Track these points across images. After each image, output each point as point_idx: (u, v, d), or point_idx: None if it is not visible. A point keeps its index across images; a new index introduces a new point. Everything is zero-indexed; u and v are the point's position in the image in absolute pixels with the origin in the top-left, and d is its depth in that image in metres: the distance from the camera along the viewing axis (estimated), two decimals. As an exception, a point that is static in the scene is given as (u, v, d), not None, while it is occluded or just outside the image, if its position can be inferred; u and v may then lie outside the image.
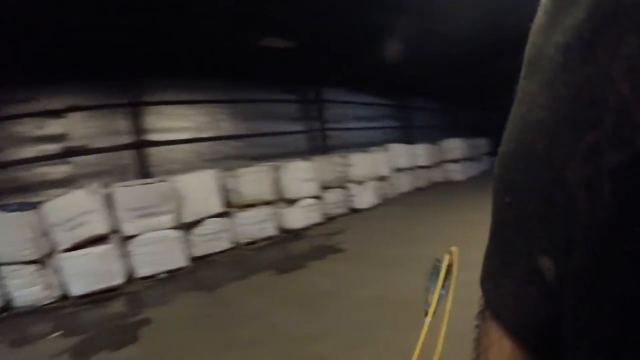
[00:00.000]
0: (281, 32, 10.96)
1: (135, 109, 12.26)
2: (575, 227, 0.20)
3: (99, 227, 7.05)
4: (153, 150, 12.32)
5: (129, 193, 7.54)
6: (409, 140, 18.80)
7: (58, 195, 7.70)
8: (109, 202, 7.45)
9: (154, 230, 7.58)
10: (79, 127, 11.55)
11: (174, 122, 12.86)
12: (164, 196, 7.77)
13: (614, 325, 0.18)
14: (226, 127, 13.76)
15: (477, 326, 0.32)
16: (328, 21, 9.98)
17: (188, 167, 12.31)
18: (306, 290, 5.90)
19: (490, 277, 0.29)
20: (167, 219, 7.73)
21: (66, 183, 10.85)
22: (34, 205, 7.09)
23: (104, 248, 7.03)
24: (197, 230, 8.29)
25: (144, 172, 11.73)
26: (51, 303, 6.86)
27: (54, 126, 11.26)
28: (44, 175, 10.99)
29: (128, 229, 7.46)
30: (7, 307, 6.76)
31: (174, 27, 9.92)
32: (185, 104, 13.04)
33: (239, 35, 10.91)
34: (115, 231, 7.39)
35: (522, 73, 0.29)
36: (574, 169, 0.21)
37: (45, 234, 6.92)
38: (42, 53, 9.85)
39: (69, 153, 11.40)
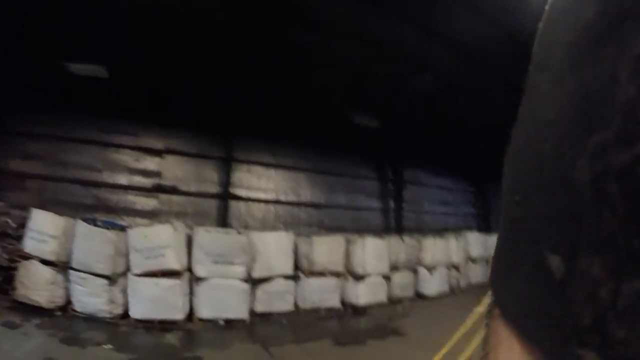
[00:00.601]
0: (371, 112, 11.50)
1: (225, 162, 13.19)
2: (583, 226, 0.21)
3: (174, 262, 7.41)
4: (234, 203, 12.99)
5: (209, 238, 7.93)
6: (485, 228, 18.06)
7: (142, 224, 8.33)
8: (188, 242, 7.89)
9: (224, 277, 7.80)
10: (172, 168, 12.63)
11: (258, 181, 13.58)
12: (240, 248, 8.06)
13: (621, 325, 0.18)
14: (305, 193, 14.22)
15: (486, 325, 0.33)
16: (417, 104, 10.31)
17: (264, 225, 12.75)
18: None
19: (500, 276, 0.30)
20: (238, 270, 7.95)
21: (150, 215, 11.70)
22: (121, 227, 7.69)
23: (174, 282, 7.33)
24: (264, 286, 8.40)
25: (224, 221, 12.33)
26: (110, 318, 7.15)
27: (149, 163, 12.42)
28: (132, 203, 11.97)
29: (200, 270, 7.75)
30: (66, 308, 7.19)
31: (271, 97, 10.88)
32: (271, 166, 13.80)
33: (331, 111, 11.62)
34: (187, 269, 7.73)
35: (531, 72, 0.29)
36: (582, 168, 0.21)
37: (123, 255, 7.43)
38: (150, 98, 11.21)
39: (158, 189, 12.41)
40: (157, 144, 12.52)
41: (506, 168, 0.31)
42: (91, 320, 6.99)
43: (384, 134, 12.83)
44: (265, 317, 8.28)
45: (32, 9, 7.82)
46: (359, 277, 9.54)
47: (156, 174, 12.36)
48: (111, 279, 7.23)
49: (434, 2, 6.95)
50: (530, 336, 0.24)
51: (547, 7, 0.29)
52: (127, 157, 12.10)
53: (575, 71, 0.23)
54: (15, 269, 7.43)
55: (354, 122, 11.92)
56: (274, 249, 8.59)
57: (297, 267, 9.07)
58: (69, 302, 7.26)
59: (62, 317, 6.96)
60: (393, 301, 10.30)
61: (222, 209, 12.68)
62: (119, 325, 7.01)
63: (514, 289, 0.26)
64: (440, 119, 11.49)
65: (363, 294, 9.49)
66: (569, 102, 0.23)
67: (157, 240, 7.41)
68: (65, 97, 11.02)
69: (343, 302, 9.43)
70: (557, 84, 0.25)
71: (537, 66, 0.29)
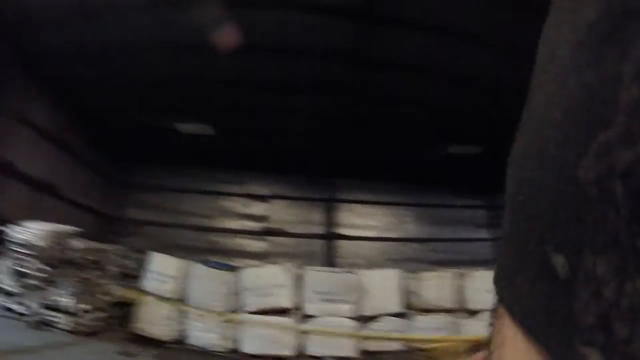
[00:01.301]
0: (467, 140, 11.17)
1: (329, 204, 13.63)
2: (587, 225, 0.21)
3: (285, 300, 7.83)
4: (341, 242, 13.28)
5: (318, 277, 8.22)
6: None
7: (252, 265, 8.93)
8: (297, 282, 8.25)
9: (332, 315, 7.97)
10: (278, 212, 13.37)
11: (362, 220, 13.77)
12: (349, 287, 8.21)
13: (625, 323, 0.18)
14: (410, 229, 14.03)
15: (491, 324, 0.32)
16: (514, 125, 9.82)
17: (371, 263, 12.76)
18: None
19: (504, 275, 0.30)
20: (347, 308, 8.07)
21: (259, 257, 12.43)
22: (233, 268, 8.36)
23: (284, 320, 7.72)
24: (373, 325, 8.38)
25: (330, 261, 12.63)
26: (221, 352, 7.65)
27: (257, 208, 13.29)
28: (242, 246, 12.85)
29: (310, 309, 8.02)
30: (181, 341, 7.84)
31: (367, 138, 11.15)
32: (374, 204, 13.92)
33: (426, 144, 11.53)
34: (297, 308, 8.05)
35: (535, 72, 0.29)
36: (586, 167, 0.21)
37: (235, 293, 8.04)
38: (254, 149, 12.14)
39: (267, 232, 13.18)
40: (263, 190, 13.46)
41: (510, 168, 0.32)
42: (204, 354, 7.56)
43: (486, 160, 12.34)
44: (375, 356, 8.20)
45: (149, 81, 9.17)
46: (472, 313, 9.06)
47: (264, 218, 13.22)
48: (224, 316, 7.82)
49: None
50: (534, 334, 0.24)
51: (550, 8, 0.29)
52: (236, 204, 13.17)
53: (579, 71, 0.23)
54: (134, 305, 8.34)
55: (452, 153, 11.68)
56: (381, 286, 8.57)
57: (407, 304, 8.92)
58: (183, 336, 7.95)
59: (176, 350, 7.61)
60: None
61: (328, 248, 13.02)
62: (231, 360, 7.47)
63: (519, 288, 0.27)
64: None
65: (477, 331, 8.95)
66: (573, 103, 0.23)
67: (268, 280, 7.90)
68: (177, 152, 12.48)
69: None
70: (561, 85, 0.25)
71: (541, 67, 0.29)
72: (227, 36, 7.37)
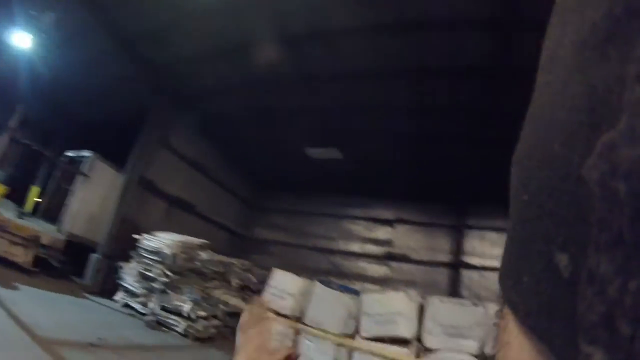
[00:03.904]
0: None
1: (456, 230, 12.86)
2: (591, 224, 0.20)
3: (405, 330, 7.41)
4: (466, 272, 12.40)
5: (443, 308, 7.70)
6: None
7: (373, 290, 8.67)
8: (420, 311, 7.81)
9: (455, 351, 7.36)
10: (403, 237, 12.99)
11: (492, 249, 12.70)
12: (476, 321, 7.54)
13: (628, 322, 0.18)
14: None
15: (496, 323, 0.32)
16: None
17: (500, 297, 11.68)
18: None
19: (509, 274, 0.29)
20: (471, 345, 7.40)
21: (381, 282, 12.16)
22: (354, 291, 8.18)
23: (403, 350, 7.28)
24: (500, 365, 7.55)
25: (454, 291, 11.84)
26: None
27: (381, 232, 13.08)
28: (363, 270, 12.72)
29: (430, 341, 7.51)
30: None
31: (500, 160, 10.26)
32: (505, 232, 12.76)
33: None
34: (417, 339, 7.59)
35: (539, 72, 0.29)
36: (590, 167, 0.21)
37: (354, 317, 7.83)
38: (380, 172, 12.00)
39: (390, 257, 12.88)
40: (388, 214, 13.26)
41: (514, 167, 0.31)
42: None
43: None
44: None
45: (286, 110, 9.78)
46: None
47: (387, 243, 12.97)
48: (340, 339, 7.68)
49: None
50: (538, 333, 0.24)
51: (553, 8, 0.29)
52: (359, 227, 13.17)
53: (582, 71, 0.23)
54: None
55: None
56: (512, 323, 7.72)
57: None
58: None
59: None
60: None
61: (453, 278, 12.24)
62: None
63: (523, 288, 0.26)
64: None
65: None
66: (577, 102, 0.23)
67: (390, 307, 7.59)
68: (304, 176, 13.00)
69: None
70: (564, 84, 0.25)
71: (544, 66, 0.29)
72: None
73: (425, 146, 10.23)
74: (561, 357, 0.22)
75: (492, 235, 12.73)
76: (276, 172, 13.35)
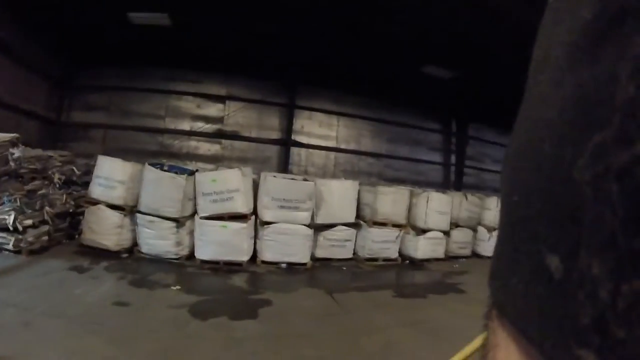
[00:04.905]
0: (444, 62, 10.92)
1: (287, 109, 13.18)
2: (583, 226, 0.20)
3: (242, 206, 7.62)
4: (296, 150, 13.10)
5: (276, 184, 8.06)
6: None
7: (207, 169, 8.57)
8: (255, 187, 8.07)
9: (288, 222, 7.98)
10: (234, 115, 12.82)
11: (319, 129, 13.54)
12: (307, 194, 8.15)
13: (621, 325, 0.18)
14: (367, 143, 14.07)
15: (485, 325, 0.32)
16: (497, 52, 9.64)
17: (325, 172, 12.84)
18: (430, 319, 5.70)
19: (499, 276, 0.29)
20: (303, 216, 8.10)
21: (213, 160, 12.10)
22: (189, 172, 7.93)
23: (241, 226, 7.58)
24: (326, 233, 8.55)
25: (284, 168, 12.52)
26: (176, 259, 7.57)
27: (212, 109, 12.65)
28: (195, 149, 12.40)
29: (266, 215, 7.95)
30: (132, 250, 7.66)
31: (338, 43, 10.51)
32: (333, 114, 13.65)
33: (400, 60, 11.14)
34: (254, 214, 7.96)
35: (530, 72, 0.28)
36: (582, 168, 0.21)
37: (191, 199, 7.71)
38: (211, 45, 11.17)
39: (221, 135, 12.71)
40: (219, 90, 12.68)
41: (505, 168, 0.30)
42: (158, 262, 7.39)
43: (452, 86, 12.22)
44: (326, 263, 8.50)
45: None
46: (420, 231, 9.49)
47: (219, 120, 12.61)
48: (179, 222, 7.57)
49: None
50: (529, 337, 0.24)
51: (546, 8, 0.28)
52: (189, 104, 12.40)
53: (574, 71, 0.23)
54: (81, 214, 7.89)
55: (424, 73, 11.40)
56: (338, 196, 8.63)
57: (361, 216, 9.14)
58: (135, 244, 7.71)
59: (129, 260, 7.37)
60: (450, 258, 10.24)
61: (284, 155, 12.83)
62: (186, 267, 7.37)
63: (513, 290, 0.26)
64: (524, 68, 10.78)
65: (422, 249, 9.48)
66: (569, 103, 0.23)
67: (225, 185, 7.60)
68: (126, 47, 11.24)
69: (402, 255, 9.48)
70: (556, 85, 0.24)
71: (536, 67, 0.28)
72: None
73: (259, 18, 9.62)
74: None
75: (317, 116, 13.50)
76: (93, 43, 11.07)
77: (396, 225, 9.23)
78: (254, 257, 7.92)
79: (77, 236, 7.96)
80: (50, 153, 7.80)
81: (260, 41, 10.66)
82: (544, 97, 0.25)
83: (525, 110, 0.28)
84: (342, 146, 13.64)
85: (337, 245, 8.70)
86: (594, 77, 0.21)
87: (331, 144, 13.49)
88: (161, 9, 9.40)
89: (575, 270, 0.20)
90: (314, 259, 8.32)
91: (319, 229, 8.44)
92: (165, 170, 7.74)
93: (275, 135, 13.06)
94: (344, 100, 13.63)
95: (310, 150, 13.15)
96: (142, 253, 7.60)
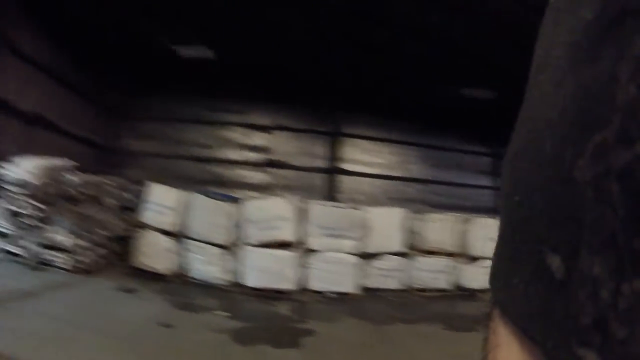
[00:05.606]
0: (482, 82, 10.73)
1: (332, 137, 13.31)
2: (584, 226, 0.20)
3: (288, 234, 7.70)
4: (342, 178, 13.12)
5: (323, 212, 8.08)
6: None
7: (254, 197, 8.74)
8: (301, 216, 8.12)
9: (335, 251, 7.94)
10: (280, 144, 13.09)
11: (365, 156, 13.52)
12: (353, 223, 8.10)
13: (622, 325, 0.18)
14: (414, 169, 13.86)
15: (486, 325, 0.32)
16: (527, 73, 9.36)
17: (372, 200, 12.71)
18: (477, 351, 5.40)
19: (500, 276, 0.29)
20: (350, 245, 8.03)
21: (260, 188, 12.33)
22: (235, 199, 8.12)
23: (287, 254, 7.64)
24: (375, 262, 8.41)
25: (331, 196, 12.54)
26: (223, 285, 7.64)
27: (258, 139, 12.99)
28: (242, 177, 12.71)
29: (313, 243, 7.96)
30: (182, 274, 7.79)
31: (377, 70, 10.59)
32: (379, 141, 13.61)
33: (439, 83, 11.05)
34: (301, 242, 7.98)
35: (532, 73, 0.29)
36: (582, 168, 0.21)
37: (238, 226, 7.84)
38: (260, 76, 11.56)
39: (268, 164, 12.97)
40: (265, 120, 13.04)
41: (506, 168, 0.30)
42: (205, 287, 7.51)
43: (496, 107, 11.94)
44: (374, 293, 8.32)
45: None
46: (473, 259, 9.12)
47: (265, 149, 12.93)
48: (226, 249, 7.72)
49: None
50: (530, 336, 0.24)
51: (547, 8, 0.28)
52: (236, 134, 12.85)
53: (575, 71, 0.23)
54: (132, 238, 8.17)
55: (463, 95, 11.26)
56: (386, 224, 8.50)
57: (409, 245, 8.94)
58: (184, 269, 7.89)
59: (177, 284, 7.55)
60: (506, 288, 9.73)
61: (330, 183, 12.88)
62: (232, 293, 7.45)
63: (514, 290, 0.26)
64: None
65: (476, 277, 9.07)
66: (570, 103, 0.23)
67: (271, 212, 7.72)
68: (174, 79, 11.88)
69: (454, 284, 9.13)
70: (557, 85, 0.24)
71: (537, 67, 0.28)
72: None
73: (303, 50, 9.89)
74: None
75: (362, 143, 13.52)
76: (143, 75, 11.87)
77: (447, 254, 8.93)
78: (300, 285, 7.91)
79: (127, 259, 8.32)
80: (103, 178, 8.27)
81: (304, 72, 10.96)
82: (545, 97, 0.26)
83: (526, 110, 0.29)
84: (389, 173, 13.52)
85: (386, 274, 8.50)
86: (595, 77, 0.21)
87: (377, 171, 13.40)
88: (205, 43, 9.94)
89: (577, 270, 0.20)
90: (361, 288, 8.18)
91: (366, 257, 8.31)
92: (211, 198, 8.00)
93: (320, 163, 13.16)
94: (389, 126, 13.57)
95: (357, 178, 13.13)
96: (190, 277, 7.77)
